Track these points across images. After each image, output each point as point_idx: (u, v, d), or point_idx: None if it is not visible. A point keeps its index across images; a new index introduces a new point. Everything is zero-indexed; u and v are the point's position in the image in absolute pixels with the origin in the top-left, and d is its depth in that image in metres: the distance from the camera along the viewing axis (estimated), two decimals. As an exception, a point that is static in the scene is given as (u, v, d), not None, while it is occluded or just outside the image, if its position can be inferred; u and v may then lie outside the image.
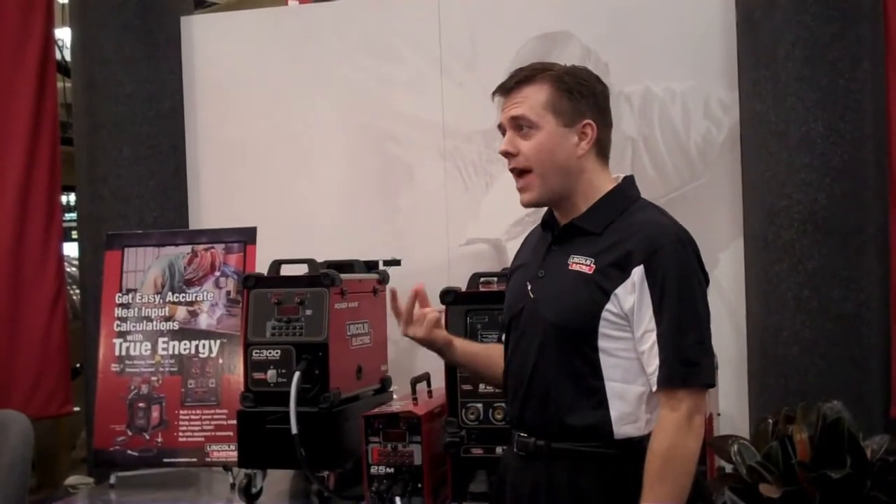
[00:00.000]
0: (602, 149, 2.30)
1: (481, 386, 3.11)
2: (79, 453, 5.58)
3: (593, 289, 2.17)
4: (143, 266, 3.99)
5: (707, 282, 2.26)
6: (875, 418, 3.59)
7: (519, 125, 2.26)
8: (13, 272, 4.52)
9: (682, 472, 2.12)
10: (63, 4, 6.64)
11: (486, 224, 4.19)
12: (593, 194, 2.28)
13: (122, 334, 3.93)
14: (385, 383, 3.71)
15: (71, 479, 4.83)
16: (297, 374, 3.23)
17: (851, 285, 3.61)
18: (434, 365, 3.13)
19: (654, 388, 2.15)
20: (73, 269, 5.45)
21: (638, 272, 2.15)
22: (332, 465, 3.31)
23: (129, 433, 3.84)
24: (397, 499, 3.18)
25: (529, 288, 2.30)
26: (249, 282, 3.44)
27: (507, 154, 2.28)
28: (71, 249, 5.28)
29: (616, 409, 2.18)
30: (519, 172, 2.29)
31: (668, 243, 2.17)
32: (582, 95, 2.26)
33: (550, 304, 2.24)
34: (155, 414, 3.84)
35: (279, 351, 3.33)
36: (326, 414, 3.26)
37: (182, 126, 4.59)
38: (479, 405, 3.16)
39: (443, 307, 2.53)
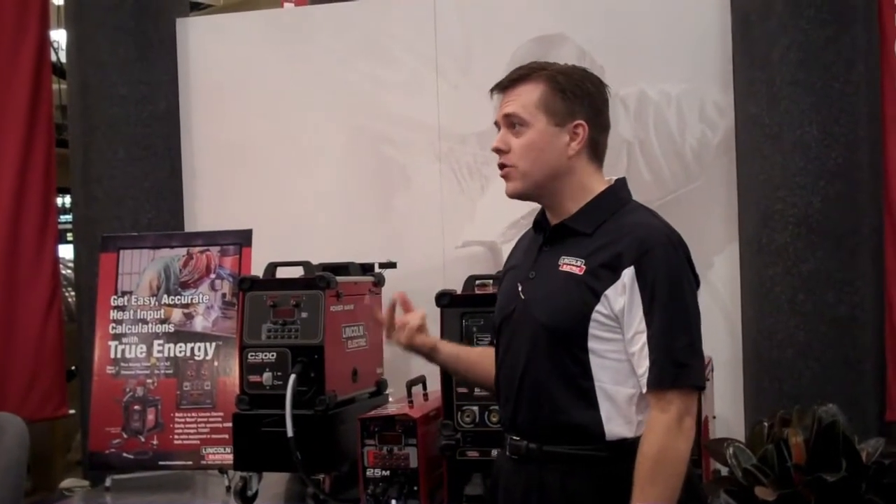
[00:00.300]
0: (595, 150, 2.30)
1: (477, 389, 3.11)
2: (74, 456, 5.57)
3: (583, 290, 2.17)
4: (139, 268, 3.98)
5: (697, 284, 2.26)
6: (870, 421, 3.60)
7: (512, 123, 2.27)
8: (8, 274, 4.51)
9: (673, 474, 2.11)
10: (58, 6, 6.64)
11: (481, 226, 4.20)
12: (584, 195, 2.27)
13: (117, 337, 3.93)
14: (381, 386, 3.71)
15: (66, 482, 4.81)
16: (292, 377, 3.23)
17: (846, 288, 3.61)
18: (430, 368, 3.10)
19: (645, 390, 2.15)
20: (69, 271, 5.45)
21: (628, 273, 2.14)
22: (327, 467, 3.31)
23: (125, 436, 3.84)
24: (393, 501, 3.18)
25: (520, 289, 2.30)
26: (245, 284, 3.44)
27: (497, 150, 2.29)
28: (66, 251, 5.27)
29: (606, 411, 2.18)
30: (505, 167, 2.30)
31: (658, 245, 2.17)
32: (575, 95, 2.25)
33: (541, 304, 2.24)
34: (150, 416, 3.84)
35: (275, 354, 3.33)
36: (322, 417, 3.26)
37: (177, 128, 4.59)
38: (475, 408, 3.16)
39: (424, 310, 2.51)
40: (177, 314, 3.91)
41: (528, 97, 2.25)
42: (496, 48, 4.07)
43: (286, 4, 7.18)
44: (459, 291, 3.36)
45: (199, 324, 3.90)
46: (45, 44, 4.71)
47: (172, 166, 4.56)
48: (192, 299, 3.92)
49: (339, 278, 3.44)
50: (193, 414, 3.81)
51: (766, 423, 3.09)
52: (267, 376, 3.31)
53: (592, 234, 2.22)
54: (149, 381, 3.87)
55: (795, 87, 3.63)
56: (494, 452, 2.98)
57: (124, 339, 3.92)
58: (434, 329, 3.19)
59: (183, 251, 3.97)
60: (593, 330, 2.16)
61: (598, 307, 2.16)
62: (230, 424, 3.40)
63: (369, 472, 3.23)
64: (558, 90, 2.25)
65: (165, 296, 3.94)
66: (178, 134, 4.59)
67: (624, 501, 2.11)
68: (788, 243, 3.63)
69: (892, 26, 3.83)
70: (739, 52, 3.84)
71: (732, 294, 3.91)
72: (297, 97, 4.45)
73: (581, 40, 4.08)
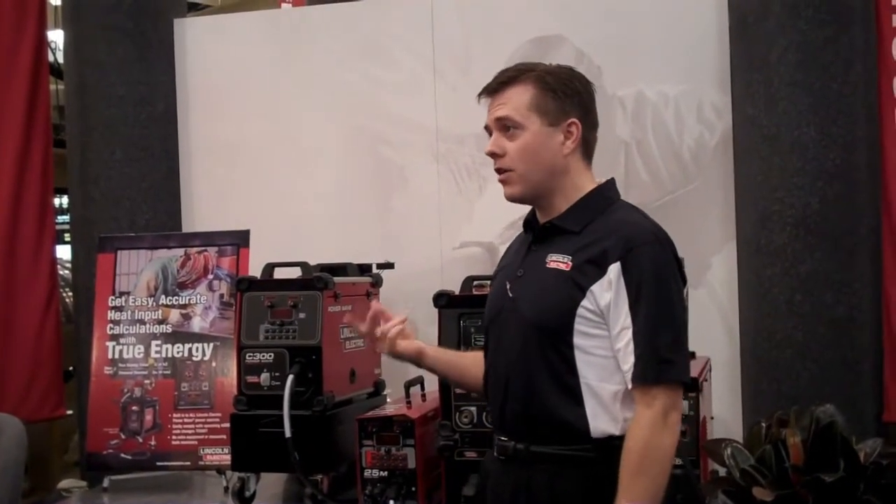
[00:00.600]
0: (587, 149, 2.31)
1: (476, 389, 3.10)
2: (72, 457, 5.57)
3: (570, 285, 2.18)
4: (136, 269, 3.98)
5: (685, 282, 2.28)
6: (868, 422, 3.60)
7: (505, 126, 2.26)
8: (6, 275, 4.51)
9: (658, 471, 2.11)
10: (56, 7, 6.64)
11: (479, 227, 4.20)
12: (575, 194, 2.28)
13: (115, 337, 3.93)
14: (378, 387, 3.71)
15: (64, 483, 4.82)
16: (290, 378, 3.23)
17: (844, 289, 3.62)
18: (428, 368, 3.13)
19: (630, 386, 2.15)
20: (66, 271, 5.45)
21: (614, 269, 2.15)
22: (325, 468, 3.31)
23: (123, 436, 3.84)
24: (391, 502, 3.17)
25: (508, 287, 2.31)
26: (242, 285, 3.43)
27: (493, 155, 2.29)
28: (64, 252, 5.27)
29: (591, 408, 2.18)
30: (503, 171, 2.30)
31: (645, 242, 2.17)
32: (566, 94, 2.26)
33: (528, 301, 2.25)
34: (148, 417, 3.84)
35: (272, 354, 3.32)
36: (320, 417, 3.26)
37: (175, 128, 4.59)
38: (473, 409, 3.16)
39: (405, 315, 2.49)
40: (174, 315, 3.91)
41: (519, 99, 2.25)
42: (494, 49, 4.07)
43: (284, 5, 7.20)
44: (457, 292, 3.36)
45: (197, 324, 3.89)
46: (42, 44, 4.71)
47: (170, 167, 4.56)
48: (189, 300, 3.92)
49: (336, 279, 3.44)
50: (191, 414, 3.81)
51: (763, 424, 3.09)
52: (265, 377, 3.31)
53: (580, 233, 2.23)
54: (146, 381, 3.87)
55: (793, 87, 3.63)
56: (489, 454, 3.00)
57: (122, 340, 3.92)
58: (432, 330, 3.20)
59: (180, 252, 3.97)
60: (579, 326, 2.17)
61: (584, 302, 2.16)
62: (228, 425, 3.39)
63: (367, 473, 3.22)
64: (549, 90, 2.25)
65: (163, 296, 3.94)
66: (176, 134, 4.59)
67: (611, 502, 2.12)
68: (786, 244, 3.64)
69: (889, 27, 3.83)
70: (737, 52, 3.84)
71: (730, 295, 3.92)
72: (295, 98, 4.45)
73: (579, 41, 4.08)
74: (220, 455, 3.72)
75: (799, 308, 3.62)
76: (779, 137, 3.65)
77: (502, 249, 3.98)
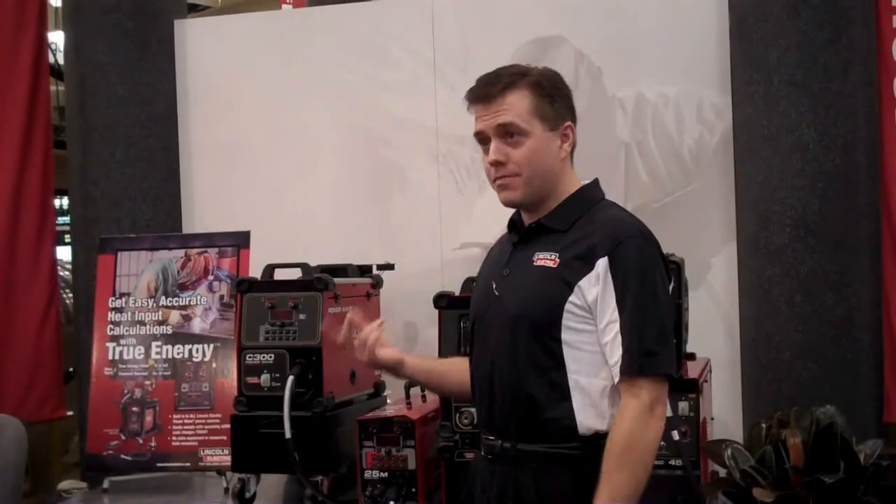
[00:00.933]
0: (573, 149, 2.34)
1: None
2: (72, 458, 5.56)
3: (558, 282, 2.20)
4: (137, 270, 3.98)
5: (670, 278, 2.29)
6: (868, 423, 3.60)
7: (508, 133, 2.26)
8: (6, 276, 4.51)
9: (641, 463, 2.12)
10: (56, 8, 6.64)
11: (479, 228, 4.19)
12: (563, 194, 2.30)
13: (115, 338, 3.92)
14: (379, 388, 3.71)
15: (64, 484, 4.81)
16: (290, 379, 3.23)
17: (843, 290, 3.62)
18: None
19: (616, 379, 2.16)
20: (66, 272, 5.45)
21: (602, 264, 2.17)
22: (325, 469, 3.31)
23: (123, 437, 3.84)
24: (391, 503, 3.17)
25: (494, 287, 2.32)
26: (243, 286, 3.43)
27: (497, 163, 2.28)
28: (64, 253, 5.27)
29: (578, 403, 2.19)
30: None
31: (631, 237, 2.20)
32: (559, 98, 2.29)
33: (515, 298, 2.26)
34: (148, 418, 3.84)
35: (273, 355, 3.32)
36: (320, 418, 3.26)
37: (175, 129, 4.59)
38: (473, 410, 3.15)
39: (380, 320, 2.47)
40: (175, 316, 3.91)
41: (520, 106, 2.25)
42: (494, 50, 4.06)
43: (284, 6, 7.20)
44: (457, 293, 3.36)
45: (197, 325, 3.89)
46: (42, 45, 4.71)
47: (170, 168, 4.56)
48: (190, 301, 3.92)
49: (336, 280, 3.44)
50: (191, 415, 3.81)
51: (764, 425, 3.08)
52: (265, 378, 3.31)
53: (567, 230, 2.25)
54: (147, 382, 3.87)
55: (793, 88, 3.63)
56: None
57: (122, 341, 3.92)
58: (432, 331, 3.21)
59: (181, 253, 3.97)
60: (567, 321, 2.18)
61: (572, 298, 2.18)
62: (228, 426, 3.39)
63: (367, 474, 3.23)
64: (545, 95, 2.27)
65: (163, 297, 3.93)
66: (176, 135, 4.59)
67: None
68: (786, 245, 3.64)
69: (889, 27, 3.84)
70: (737, 53, 3.84)
71: (730, 296, 3.92)
72: (295, 99, 4.45)
73: (579, 42, 4.08)
74: (221, 456, 3.72)
75: (799, 309, 3.62)
76: (779, 138, 3.65)
77: (502, 250, 4.03)
